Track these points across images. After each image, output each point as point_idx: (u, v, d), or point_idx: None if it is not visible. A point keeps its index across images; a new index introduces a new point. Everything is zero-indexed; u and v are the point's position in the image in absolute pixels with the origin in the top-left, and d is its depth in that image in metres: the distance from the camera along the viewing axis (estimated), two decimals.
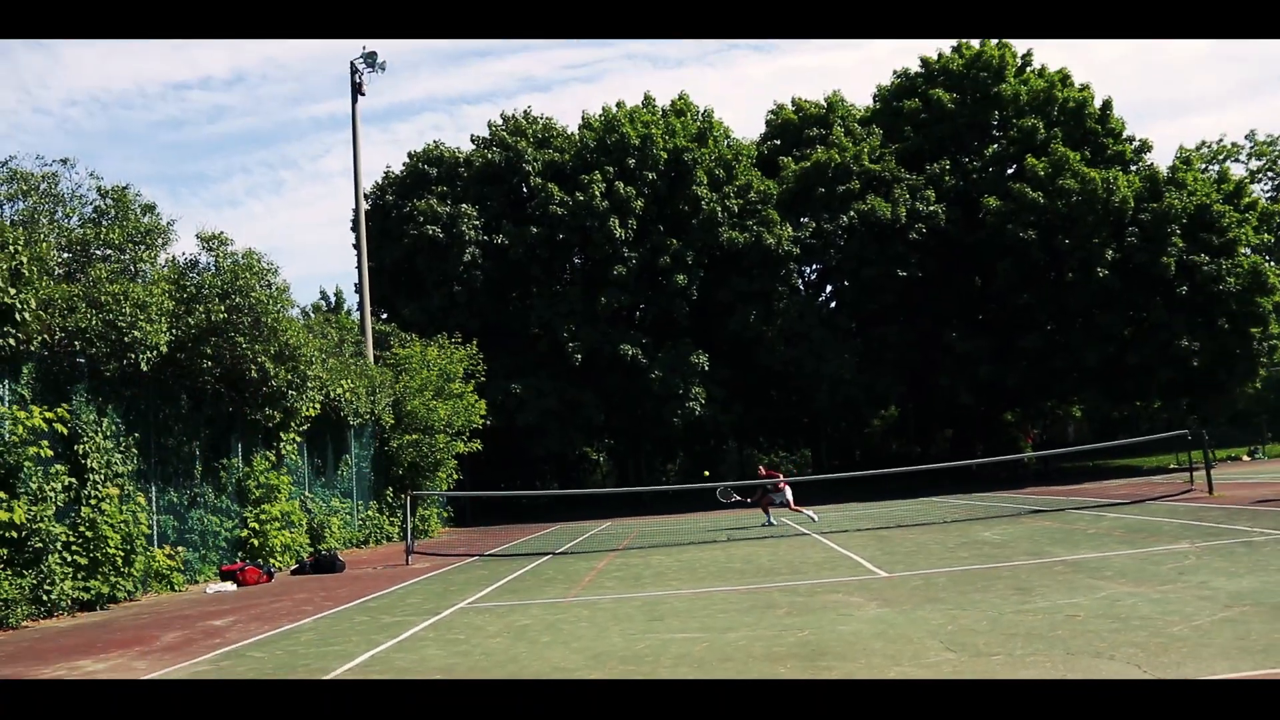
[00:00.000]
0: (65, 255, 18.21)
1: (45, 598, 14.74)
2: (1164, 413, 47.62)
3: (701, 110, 48.63)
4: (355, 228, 37.99)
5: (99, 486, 16.46)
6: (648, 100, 48.30)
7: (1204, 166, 52.94)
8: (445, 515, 37.27)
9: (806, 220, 45.90)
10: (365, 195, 44.44)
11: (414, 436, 32.31)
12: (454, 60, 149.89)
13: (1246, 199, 44.44)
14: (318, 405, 24.88)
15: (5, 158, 18.48)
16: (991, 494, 33.94)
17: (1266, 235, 46.65)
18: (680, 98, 48.47)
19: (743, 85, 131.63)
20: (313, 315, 42.47)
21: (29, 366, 15.33)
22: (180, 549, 19.47)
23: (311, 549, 24.73)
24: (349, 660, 9.65)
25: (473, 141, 48.75)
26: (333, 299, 61.24)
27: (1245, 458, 45.70)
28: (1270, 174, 57.86)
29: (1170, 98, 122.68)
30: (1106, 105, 46.09)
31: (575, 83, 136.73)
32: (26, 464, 14.60)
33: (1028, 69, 48.18)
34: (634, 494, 40.66)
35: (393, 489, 31.88)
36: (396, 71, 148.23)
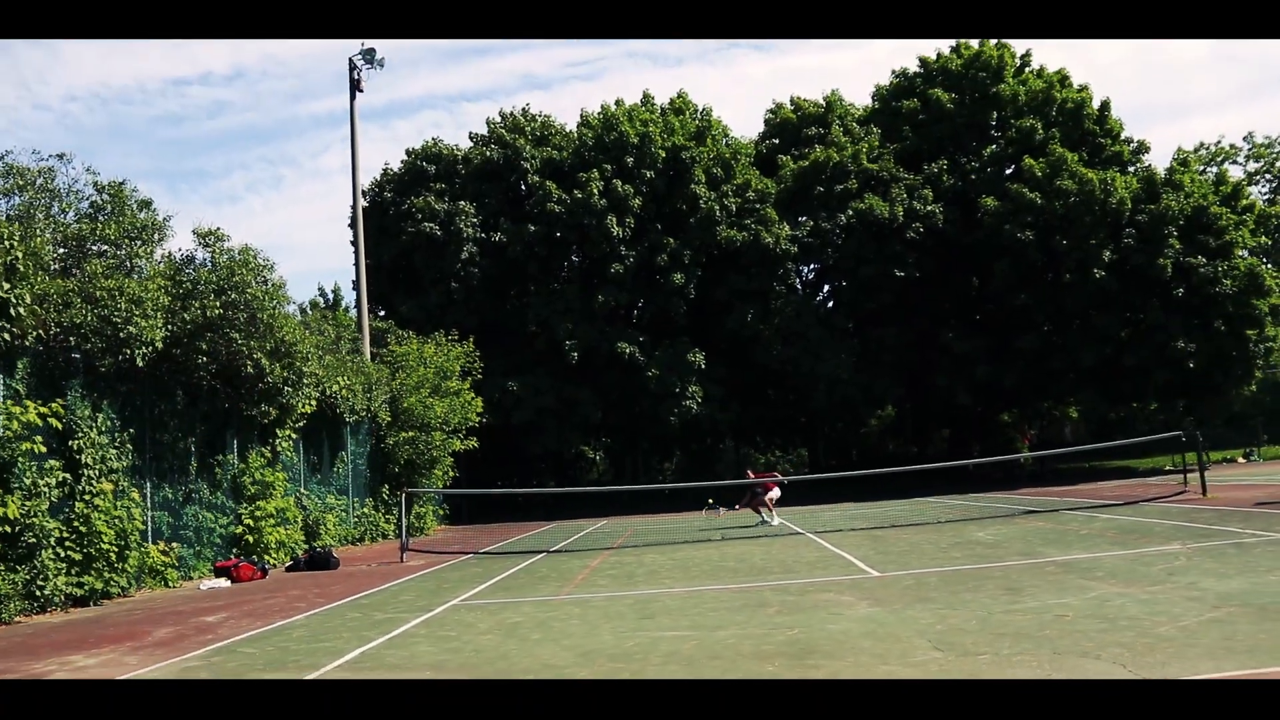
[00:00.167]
0: (61, 250, 18.22)
1: (38, 593, 14.76)
2: (1160, 414, 47.64)
3: (700, 109, 48.62)
4: (353, 225, 38.01)
5: (93, 482, 16.47)
6: (646, 99, 48.30)
7: (1202, 168, 53.00)
8: (441, 513, 37.32)
9: (804, 219, 45.90)
10: (364, 192, 44.46)
11: (410, 434, 32.33)
12: (454, 58, 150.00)
13: (1244, 201, 44.44)
14: (314, 402, 24.92)
15: (2, 152, 18.52)
16: (987, 494, 33.97)
17: (1264, 237, 46.68)
18: (679, 96, 48.47)
19: (742, 84, 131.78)
20: (310, 312, 42.48)
21: (24, 362, 15.34)
22: (175, 545, 19.48)
23: (306, 546, 24.73)
24: (339, 656, 9.67)
25: (471, 139, 48.75)
26: (331, 296, 61.14)
27: (1241, 460, 45.72)
28: (1268, 176, 57.91)
29: (1170, 100, 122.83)
30: (1105, 106, 46.11)
31: (575, 80, 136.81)
32: (20, 459, 14.61)
33: (1026, 69, 48.17)
34: (630, 492, 40.66)
35: (389, 486, 31.90)
36: (397, 69, 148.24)
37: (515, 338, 43.58)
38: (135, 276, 18.56)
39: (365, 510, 30.82)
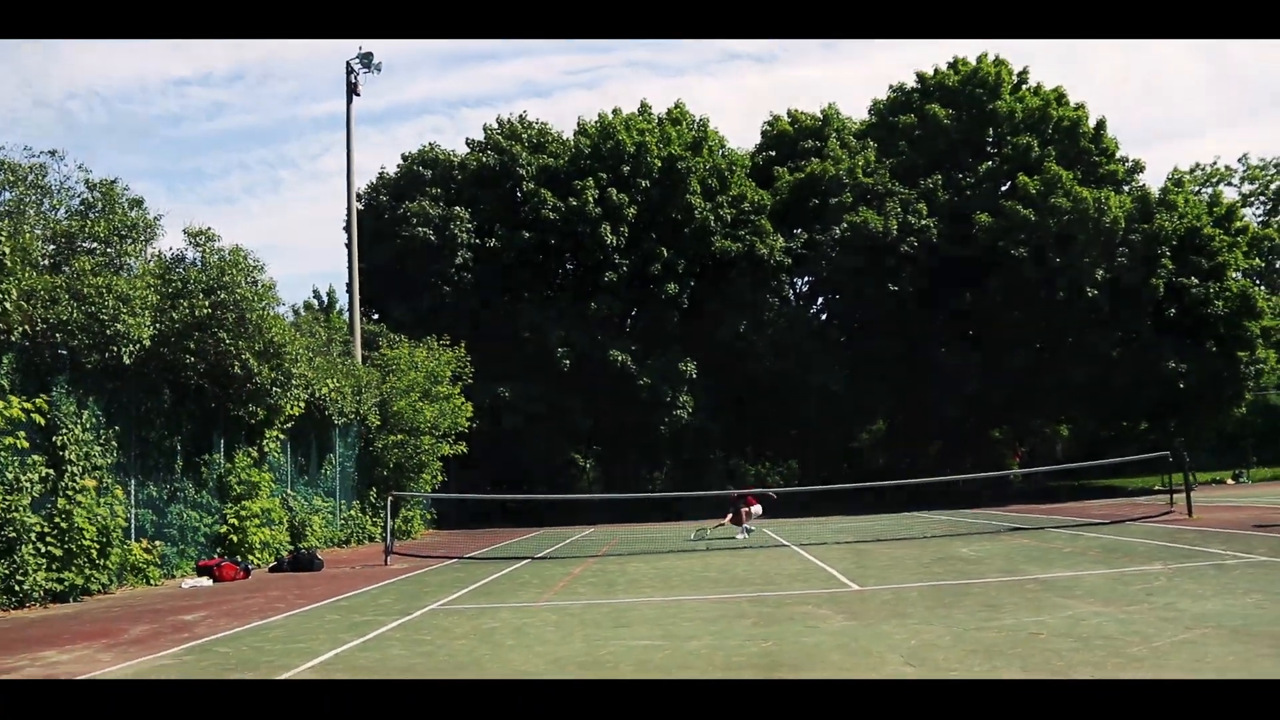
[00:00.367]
0: (50, 247, 18.21)
1: (17, 588, 14.73)
2: (1151, 434, 47.66)
3: (697, 119, 48.61)
4: (348, 228, 38.02)
5: (76, 479, 16.45)
6: (644, 108, 48.28)
7: (1197, 189, 53.14)
8: (428, 517, 37.27)
9: (799, 232, 45.92)
10: (359, 195, 44.45)
11: (399, 437, 32.30)
12: (455, 63, 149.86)
13: (1238, 223, 44.59)
14: (302, 403, 24.88)
15: None
16: (975, 510, 34.00)
17: (1257, 260, 46.80)
18: (676, 106, 48.45)
19: (742, 96, 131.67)
20: (303, 313, 42.46)
21: (9, 357, 15.32)
22: (158, 543, 19.44)
23: (291, 547, 24.67)
24: (313, 658, 9.66)
25: (468, 145, 48.69)
26: (325, 298, 61.13)
27: (1230, 481, 45.78)
28: (1262, 198, 58.04)
29: (1169, 119, 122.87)
30: (1100, 125, 46.23)
31: (576, 88, 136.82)
32: (2, 454, 14.60)
33: (1024, 87, 48.23)
34: (618, 500, 40.63)
35: (376, 489, 31.83)
36: (397, 73, 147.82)
37: (507, 344, 43.49)
38: (124, 274, 18.55)
39: (352, 513, 30.78)
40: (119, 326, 16.84)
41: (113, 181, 19.21)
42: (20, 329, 15.50)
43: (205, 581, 19.24)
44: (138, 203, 19.39)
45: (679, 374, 42.33)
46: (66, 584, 15.81)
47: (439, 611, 13.23)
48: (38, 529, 15.29)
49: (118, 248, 18.63)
